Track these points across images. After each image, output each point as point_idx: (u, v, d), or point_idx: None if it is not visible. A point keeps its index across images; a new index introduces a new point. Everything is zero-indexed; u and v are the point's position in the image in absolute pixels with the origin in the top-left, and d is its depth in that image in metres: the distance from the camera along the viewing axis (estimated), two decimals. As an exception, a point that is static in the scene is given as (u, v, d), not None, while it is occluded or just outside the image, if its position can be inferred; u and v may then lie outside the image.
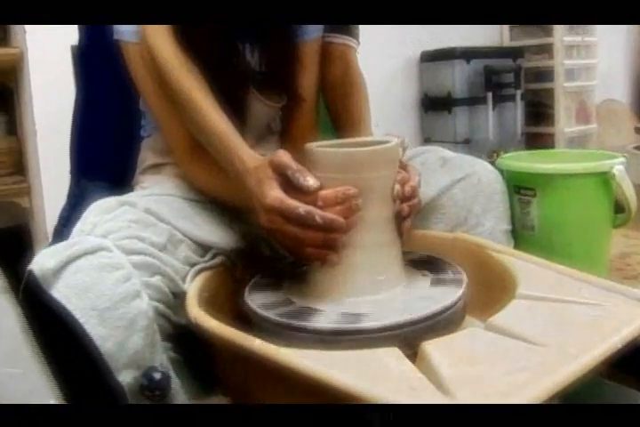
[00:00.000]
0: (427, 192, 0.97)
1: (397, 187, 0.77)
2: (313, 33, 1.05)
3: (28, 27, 1.72)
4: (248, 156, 0.82)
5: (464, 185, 0.99)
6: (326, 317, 0.72)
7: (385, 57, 2.82)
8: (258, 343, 0.62)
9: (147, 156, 1.07)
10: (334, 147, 0.79)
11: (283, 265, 0.91)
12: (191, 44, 0.90)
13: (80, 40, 1.16)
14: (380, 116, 2.90)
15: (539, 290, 0.73)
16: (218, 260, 0.88)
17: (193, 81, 0.89)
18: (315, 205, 0.72)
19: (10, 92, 2.19)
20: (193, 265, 0.85)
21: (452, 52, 2.77)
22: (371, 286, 0.76)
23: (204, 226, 0.89)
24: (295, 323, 0.70)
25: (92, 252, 0.74)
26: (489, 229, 1.00)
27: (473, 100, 2.78)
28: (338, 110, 1.12)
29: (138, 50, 0.94)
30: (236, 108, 0.94)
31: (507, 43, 3.16)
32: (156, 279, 0.78)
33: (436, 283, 0.79)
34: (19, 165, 2.27)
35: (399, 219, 0.79)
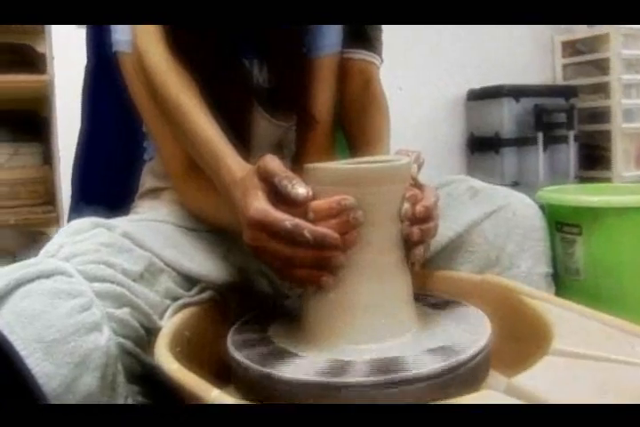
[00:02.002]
0: (452, 227, 0.87)
1: (406, 205, 0.66)
2: (330, 48, 0.97)
3: (56, 53, 1.69)
4: (237, 165, 0.73)
5: (496, 219, 0.88)
6: (306, 364, 0.59)
7: (429, 95, 2.78)
8: (215, 395, 0.52)
9: (146, 179, 1.02)
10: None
11: (282, 302, 0.80)
12: (185, 52, 0.83)
13: (87, 62, 1.12)
14: (424, 157, 2.86)
15: (579, 345, 0.60)
16: (206, 295, 0.79)
17: (181, 86, 0.81)
18: (305, 217, 0.61)
19: (43, 120, 2.18)
20: (175, 299, 0.76)
21: (500, 90, 2.70)
22: (371, 330, 0.64)
23: (194, 256, 0.81)
24: (264, 370, 0.58)
25: (48, 275, 0.65)
26: (525, 272, 0.88)
27: (522, 141, 2.70)
28: (353, 130, 1.02)
29: (132, 60, 0.87)
30: (237, 126, 0.86)
31: (559, 81, 3.07)
32: (124, 312, 0.68)
33: (453, 331, 0.66)
34: (50, 194, 2.26)
35: (409, 245, 0.67)
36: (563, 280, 0.95)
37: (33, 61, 1.95)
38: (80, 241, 0.73)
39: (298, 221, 0.61)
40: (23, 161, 2.36)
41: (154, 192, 0.99)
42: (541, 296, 0.76)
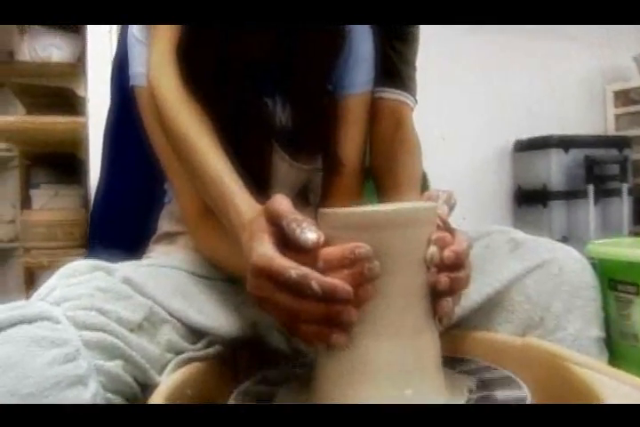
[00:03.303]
0: (490, 283, 0.78)
1: (433, 249, 0.58)
2: (359, 86, 0.92)
3: (91, 95, 1.70)
4: (246, 206, 0.68)
5: (540, 275, 0.79)
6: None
7: (475, 146, 2.76)
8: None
9: (163, 223, 0.97)
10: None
11: (297, 361, 0.73)
12: (200, 87, 0.79)
13: (110, 102, 1.10)
14: (468, 210, 2.78)
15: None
16: (213, 349, 0.73)
17: (192, 121, 0.77)
18: (314, 266, 0.54)
19: (82, 163, 2.18)
20: (178, 353, 0.70)
21: (548, 141, 2.67)
22: (391, 402, 0.55)
23: (204, 306, 0.76)
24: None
25: (31, 320, 0.59)
26: (573, 335, 0.78)
27: (571, 194, 2.66)
28: (382, 174, 0.95)
29: (147, 94, 0.83)
30: (256, 169, 0.81)
31: (611, 132, 3.02)
32: (115, 365, 0.63)
33: (484, 403, 0.57)
34: (86, 237, 2.25)
35: (436, 295, 0.59)
36: (617, 346, 0.86)
37: (73, 104, 1.96)
38: (74, 284, 0.67)
39: (305, 270, 0.54)
40: (63, 203, 2.38)
41: (169, 237, 0.94)
42: (591, 364, 0.67)
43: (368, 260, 0.54)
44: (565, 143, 2.63)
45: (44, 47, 2.00)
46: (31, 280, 2.55)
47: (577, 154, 2.63)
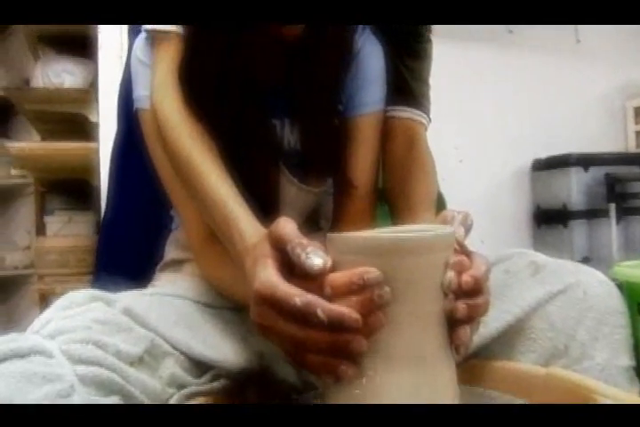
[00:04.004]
0: (511, 309, 0.75)
1: (450, 274, 0.55)
2: (371, 105, 0.89)
3: (102, 121, 1.69)
4: (250, 229, 0.66)
5: (564, 301, 0.75)
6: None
7: (492, 166, 2.74)
8: None
9: (170, 250, 0.95)
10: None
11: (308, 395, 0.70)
12: (203, 107, 0.77)
13: (117, 128, 1.09)
14: (486, 231, 2.75)
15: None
16: (219, 383, 0.70)
17: (194, 142, 0.75)
18: (321, 293, 0.52)
19: (95, 189, 2.18)
20: (181, 387, 0.67)
21: (567, 160, 2.63)
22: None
23: (208, 337, 0.73)
24: None
25: (23, 354, 0.56)
26: (601, 365, 0.74)
27: (592, 213, 2.61)
28: (395, 195, 0.92)
29: (150, 117, 0.81)
30: (263, 193, 0.79)
31: (632, 149, 2.98)
32: (112, 401, 0.59)
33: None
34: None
35: (453, 323, 0.55)
36: (649, 375, 0.79)
37: (86, 130, 1.96)
38: (71, 316, 0.65)
39: (310, 297, 0.51)
40: (76, 229, 2.38)
41: (176, 264, 0.92)
42: (620, 397, 0.62)
43: (378, 286, 0.51)
44: (585, 161, 2.60)
45: (56, 73, 2.00)
46: (47, 306, 2.54)
47: (597, 172, 2.59)
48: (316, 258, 0.53)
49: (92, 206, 2.30)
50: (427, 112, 0.97)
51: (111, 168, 1.08)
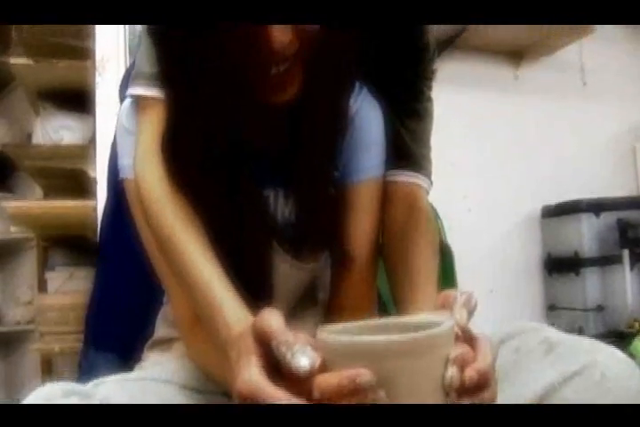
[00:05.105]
0: (523, 394, 0.69)
1: (452, 370, 0.50)
2: (369, 171, 0.84)
3: (99, 177, 1.66)
4: (234, 317, 0.62)
5: (580, 384, 0.69)
6: None
7: (501, 214, 2.69)
8: None
9: (159, 326, 0.90)
10: (361, 329, 0.53)
11: None
12: (186, 177, 0.72)
13: (106, 198, 1.06)
14: (496, 281, 2.71)
15: None
16: None
17: (177, 215, 0.71)
18: (309, 396, 0.47)
19: (95, 245, 2.14)
20: None
21: (577, 205, 2.59)
22: None
23: None
24: None
25: None
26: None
27: (605, 260, 2.55)
28: (394, 261, 0.86)
29: (135, 188, 0.76)
30: (252, 271, 0.74)
31: None
32: None
33: None
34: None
35: None
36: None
37: (86, 186, 1.93)
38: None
39: (297, 402, 0.46)
40: (77, 285, 2.32)
41: (164, 343, 0.86)
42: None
43: (372, 390, 0.47)
44: (596, 207, 2.55)
45: (55, 130, 1.98)
46: (48, 365, 2.48)
47: (609, 217, 2.54)
48: (302, 358, 0.48)
49: (94, 262, 2.26)
50: (428, 175, 0.91)
51: (101, 236, 1.03)
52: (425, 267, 0.83)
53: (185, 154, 0.71)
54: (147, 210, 0.72)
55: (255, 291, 0.69)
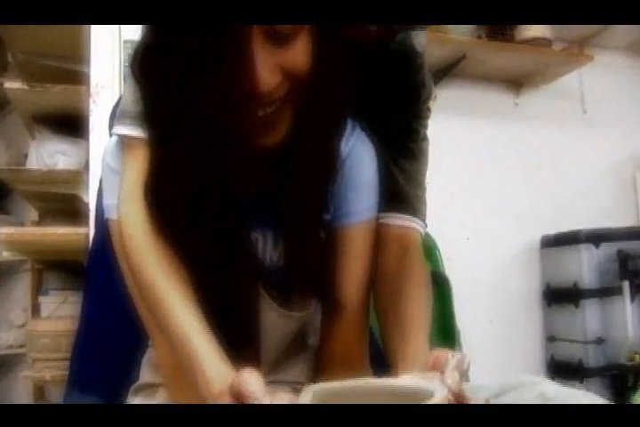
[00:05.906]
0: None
1: None
2: (361, 214, 0.81)
3: (92, 203, 1.64)
4: (215, 372, 0.60)
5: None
6: None
7: (500, 244, 2.66)
8: None
9: (144, 370, 0.87)
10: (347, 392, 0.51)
11: None
12: (168, 224, 0.69)
13: (94, 236, 1.03)
14: (494, 312, 2.67)
15: None
16: None
17: (158, 263, 0.68)
18: None
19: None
20: None
21: (577, 236, 2.54)
22: None
23: None
24: None
25: None
26: None
27: (605, 291, 2.50)
28: (386, 307, 0.83)
29: (118, 229, 0.74)
30: (238, 321, 0.72)
31: None
32: None
33: None
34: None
35: None
36: None
37: (80, 211, 1.91)
38: None
39: None
40: (71, 310, 2.29)
41: (149, 388, 0.83)
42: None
43: None
44: (595, 237, 2.51)
45: (50, 154, 1.96)
46: (40, 391, 2.45)
47: (609, 248, 2.50)
48: None
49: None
50: (422, 218, 0.89)
51: (87, 273, 1.01)
52: (417, 318, 0.79)
53: (168, 201, 0.68)
54: (129, 256, 0.70)
55: (242, 339, 0.68)
